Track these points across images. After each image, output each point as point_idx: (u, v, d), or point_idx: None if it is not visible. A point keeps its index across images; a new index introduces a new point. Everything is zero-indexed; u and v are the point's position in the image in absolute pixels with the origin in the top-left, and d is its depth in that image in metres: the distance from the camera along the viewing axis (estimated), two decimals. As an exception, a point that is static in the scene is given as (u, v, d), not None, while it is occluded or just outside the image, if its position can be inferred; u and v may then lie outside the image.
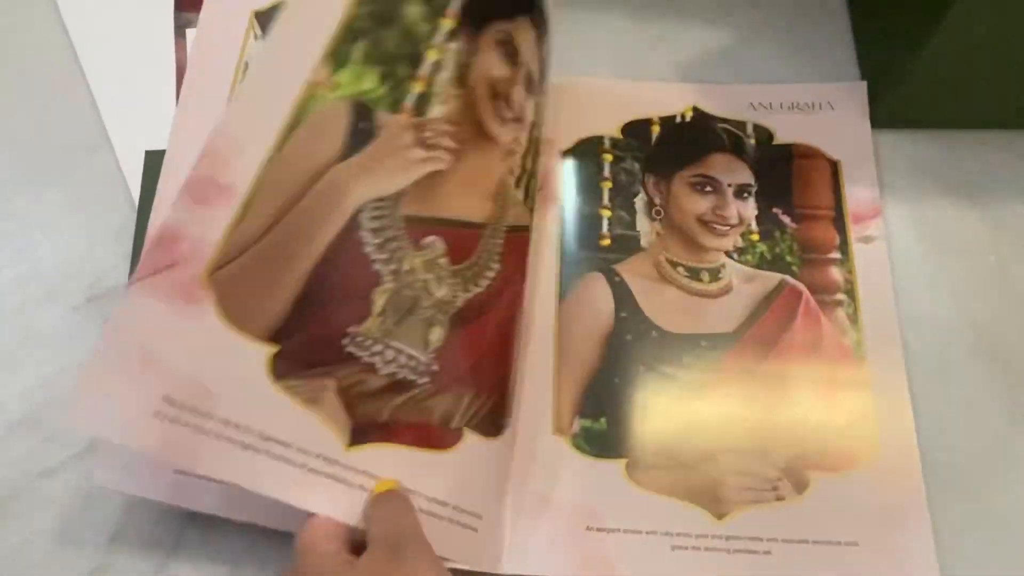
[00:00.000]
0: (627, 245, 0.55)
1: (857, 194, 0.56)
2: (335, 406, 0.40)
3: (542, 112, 0.53)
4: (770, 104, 0.60)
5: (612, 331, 0.52)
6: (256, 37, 0.47)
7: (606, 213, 0.56)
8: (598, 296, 0.53)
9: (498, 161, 0.47)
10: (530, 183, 0.51)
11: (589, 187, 0.56)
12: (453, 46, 0.46)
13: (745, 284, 0.54)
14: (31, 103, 0.57)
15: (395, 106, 0.44)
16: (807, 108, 0.60)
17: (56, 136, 0.56)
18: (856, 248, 0.54)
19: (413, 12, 0.45)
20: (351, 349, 0.41)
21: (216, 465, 0.37)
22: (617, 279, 0.54)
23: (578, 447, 0.49)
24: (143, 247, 0.39)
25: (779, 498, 0.48)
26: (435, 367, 0.43)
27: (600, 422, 0.50)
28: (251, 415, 0.38)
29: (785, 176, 0.57)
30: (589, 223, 0.55)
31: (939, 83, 0.55)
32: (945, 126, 0.59)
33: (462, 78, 0.46)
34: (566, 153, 0.58)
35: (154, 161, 0.53)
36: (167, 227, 0.38)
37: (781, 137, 0.58)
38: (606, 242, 0.55)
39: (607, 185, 0.57)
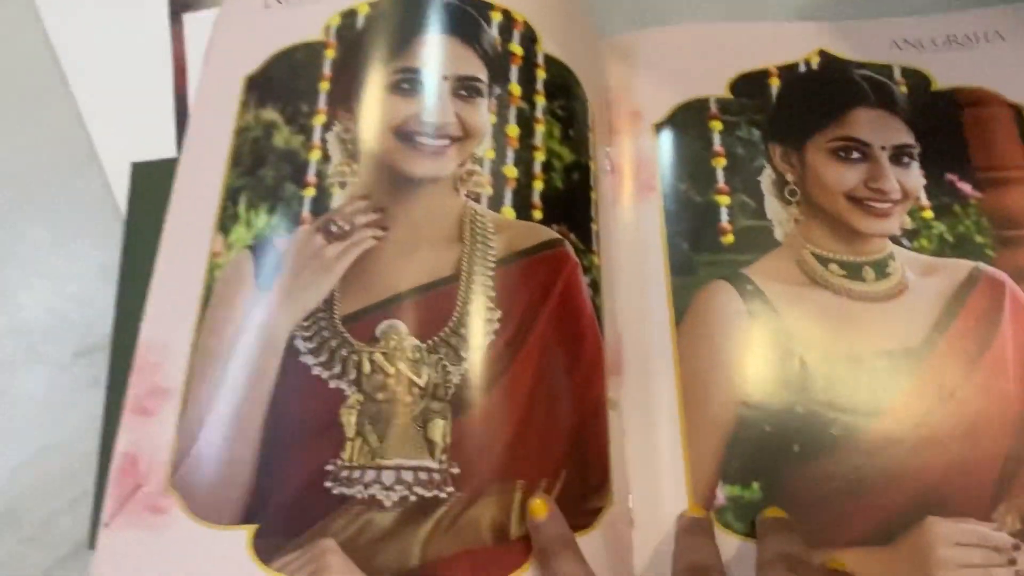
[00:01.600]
0: (757, 240, 0.42)
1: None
2: (347, 569, 0.34)
3: (581, 88, 0.45)
4: (920, 41, 0.47)
5: (755, 361, 0.39)
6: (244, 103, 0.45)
7: (723, 200, 0.43)
8: (727, 311, 0.40)
9: (449, 196, 0.41)
10: (549, 180, 0.42)
11: (697, 167, 0.44)
12: (333, 133, 0.43)
13: (924, 278, 0.40)
14: (5, 116, 0.51)
15: (293, 223, 0.41)
16: (969, 42, 0.47)
17: (36, 155, 0.49)
18: None
19: (282, 138, 0.43)
20: (339, 489, 0.35)
21: None
22: (750, 287, 0.41)
23: (727, 525, 0.36)
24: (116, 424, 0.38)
25: (1020, 574, 0.35)
26: (454, 469, 0.36)
27: (752, 488, 0.37)
28: None
29: (955, 131, 0.45)
30: (703, 215, 0.43)
31: None
32: None
33: (353, 152, 0.42)
34: (660, 126, 0.45)
35: (142, 174, 0.47)
36: (124, 454, 0.38)
37: (941, 81, 0.46)
38: (728, 238, 0.42)
39: (720, 162, 0.44)
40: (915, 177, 0.43)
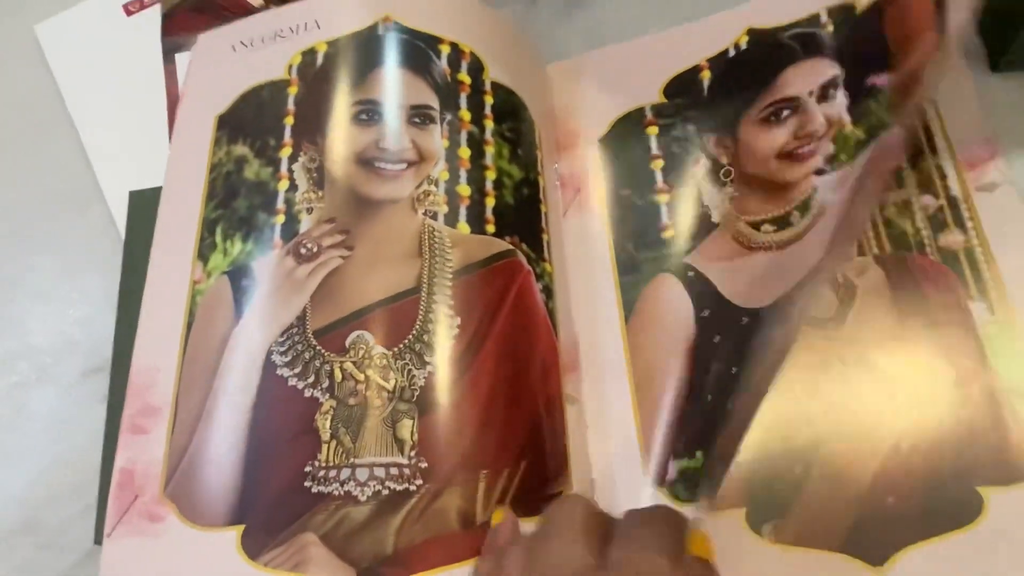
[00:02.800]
0: (697, 227, 0.42)
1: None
2: (327, 560, 0.36)
3: (519, 111, 0.47)
4: (843, -24, 0.45)
5: (696, 339, 0.40)
6: (217, 140, 0.48)
7: (663, 198, 0.44)
8: (671, 301, 0.41)
9: (408, 215, 0.43)
10: (500, 196, 0.44)
11: (637, 172, 0.45)
12: (298, 163, 0.45)
13: (836, 192, 0.38)
14: (14, 152, 0.54)
15: (266, 248, 0.43)
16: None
17: (44, 189, 0.53)
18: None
19: (252, 171, 0.45)
20: (317, 488, 0.38)
21: None
22: (691, 274, 0.41)
23: (676, 496, 0.37)
24: (111, 481, 0.41)
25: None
26: (423, 463, 0.38)
27: (695, 458, 0.37)
28: None
29: (876, 34, 0.41)
30: (645, 216, 0.44)
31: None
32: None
33: (318, 180, 0.44)
34: (603, 140, 0.47)
35: (140, 202, 0.50)
36: (122, 470, 0.40)
37: (864, 3, 0.43)
38: (669, 233, 0.43)
39: (658, 164, 0.45)
40: (839, 105, 0.41)
